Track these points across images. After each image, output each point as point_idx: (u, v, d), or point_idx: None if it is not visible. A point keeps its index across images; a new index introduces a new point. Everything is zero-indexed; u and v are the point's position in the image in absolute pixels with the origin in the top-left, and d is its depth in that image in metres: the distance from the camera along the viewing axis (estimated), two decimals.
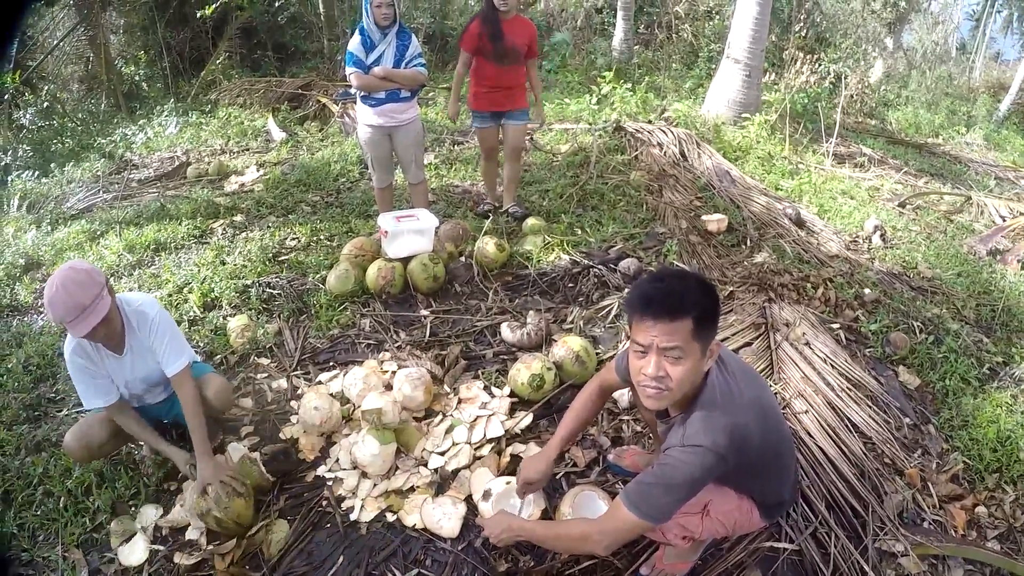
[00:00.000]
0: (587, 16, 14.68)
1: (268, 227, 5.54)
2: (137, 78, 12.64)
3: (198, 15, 11.18)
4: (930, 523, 3.14)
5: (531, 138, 7.99)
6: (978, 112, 14.67)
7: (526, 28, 5.18)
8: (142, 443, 3.14)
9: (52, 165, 8.24)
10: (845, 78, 11.84)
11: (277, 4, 12.53)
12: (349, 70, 4.76)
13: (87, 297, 2.55)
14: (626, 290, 4.47)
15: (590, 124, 8.34)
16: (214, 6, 10.85)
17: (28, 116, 10.91)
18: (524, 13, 14.61)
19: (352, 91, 4.98)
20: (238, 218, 5.84)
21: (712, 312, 2.04)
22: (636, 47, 13.63)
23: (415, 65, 4.80)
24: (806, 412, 3.55)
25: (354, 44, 4.72)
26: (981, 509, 3.26)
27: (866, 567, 2.78)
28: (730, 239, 5.61)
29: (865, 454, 3.37)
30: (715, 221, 5.64)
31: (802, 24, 12.90)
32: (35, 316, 4.66)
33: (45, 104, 11.07)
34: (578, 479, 3.10)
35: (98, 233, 5.72)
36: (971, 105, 15.31)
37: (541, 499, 2.86)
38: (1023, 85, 15.64)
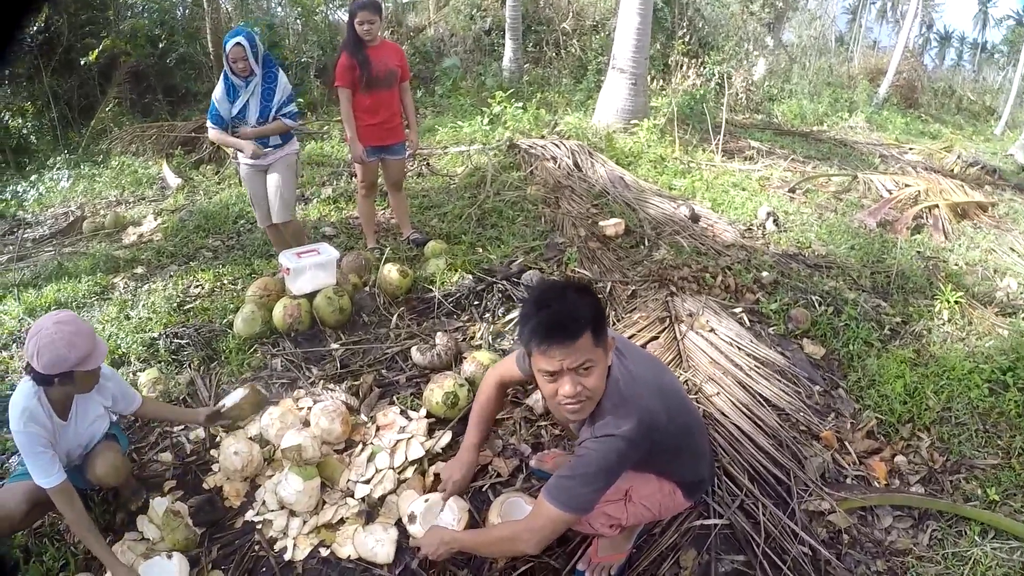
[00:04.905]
0: (476, 39, 14.87)
1: (170, 276, 5.44)
2: (25, 131, 12.12)
3: (83, 62, 10.89)
4: (852, 479, 3.35)
5: (427, 163, 8.11)
6: (859, 97, 15.51)
7: (395, 50, 5.20)
8: (81, 536, 2.86)
9: None
10: (729, 78, 12.36)
11: (162, 46, 12.26)
12: (209, 124, 4.75)
13: (89, 325, 2.72)
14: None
15: (484, 144, 8.51)
16: (97, 51, 10.60)
17: None
18: (415, 40, 14.74)
19: None
20: (139, 270, 5.72)
21: (601, 313, 2.12)
22: (526, 65, 13.92)
23: (284, 114, 4.72)
24: (718, 394, 3.71)
25: (218, 93, 4.65)
26: (900, 458, 3.50)
27: (796, 528, 2.93)
28: (628, 241, 5.80)
29: (780, 425, 3.55)
30: (612, 225, 5.83)
31: (685, 31, 13.40)
32: None
33: None
34: (503, 488, 3.18)
35: None
36: (852, 92, 16.16)
37: (465, 504, 2.92)
38: (899, 68, 16.61)
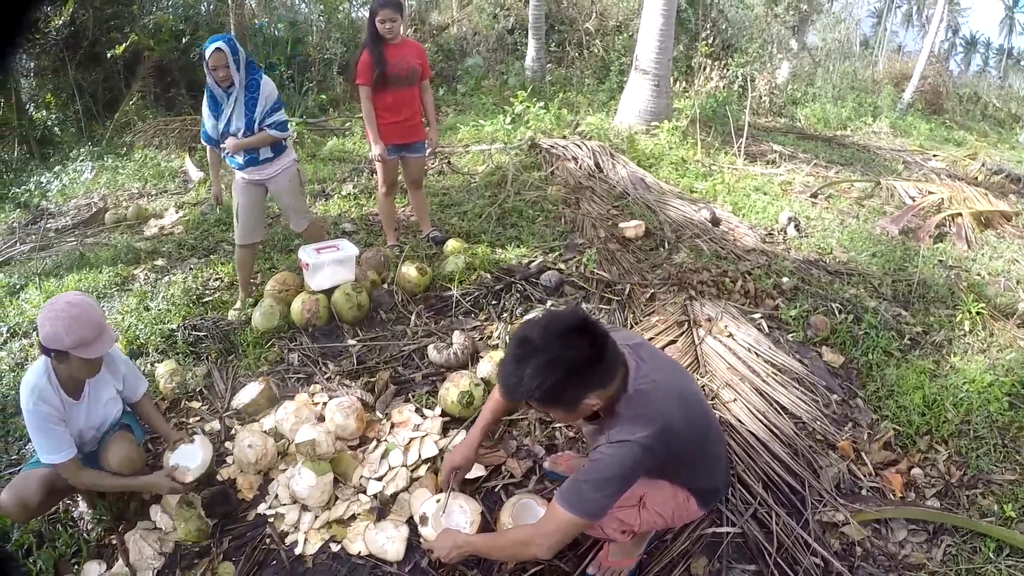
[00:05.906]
0: (499, 38, 14.86)
1: (190, 269, 5.48)
2: (50, 122, 12.22)
3: (108, 55, 10.98)
4: (868, 490, 3.32)
5: (448, 162, 8.11)
6: (883, 102, 15.29)
7: (416, 48, 5.18)
8: (108, 489, 3.00)
9: None
10: (753, 81, 12.27)
11: (186, 41, 12.33)
12: (203, 142, 4.58)
13: (101, 317, 2.68)
14: (549, 303, 4.61)
15: (505, 143, 8.50)
16: (124, 46, 10.69)
17: None
18: (438, 38, 14.76)
19: None
20: (159, 262, 5.75)
21: (555, 391, 2.05)
22: (549, 65, 13.87)
23: (269, 124, 4.31)
24: (734, 400, 3.70)
25: (204, 108, 4.37)
26: (916, 471, 3.46)
27: (809, 539, 2.91)
28: (648, 243, 5.77)
29: (796, 433, 3.53)
30: (632, 227, 5.81)
31: (708, 32, 13.31)
32: None
33: None
34: (516, 489, 3.17)
35: (17, 287, 5.55)
36: (876, 96, 15.95)
37: (478, 506, 2.92)
38: (924, 73, 16.40)
